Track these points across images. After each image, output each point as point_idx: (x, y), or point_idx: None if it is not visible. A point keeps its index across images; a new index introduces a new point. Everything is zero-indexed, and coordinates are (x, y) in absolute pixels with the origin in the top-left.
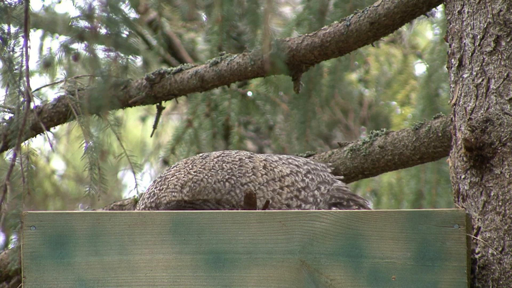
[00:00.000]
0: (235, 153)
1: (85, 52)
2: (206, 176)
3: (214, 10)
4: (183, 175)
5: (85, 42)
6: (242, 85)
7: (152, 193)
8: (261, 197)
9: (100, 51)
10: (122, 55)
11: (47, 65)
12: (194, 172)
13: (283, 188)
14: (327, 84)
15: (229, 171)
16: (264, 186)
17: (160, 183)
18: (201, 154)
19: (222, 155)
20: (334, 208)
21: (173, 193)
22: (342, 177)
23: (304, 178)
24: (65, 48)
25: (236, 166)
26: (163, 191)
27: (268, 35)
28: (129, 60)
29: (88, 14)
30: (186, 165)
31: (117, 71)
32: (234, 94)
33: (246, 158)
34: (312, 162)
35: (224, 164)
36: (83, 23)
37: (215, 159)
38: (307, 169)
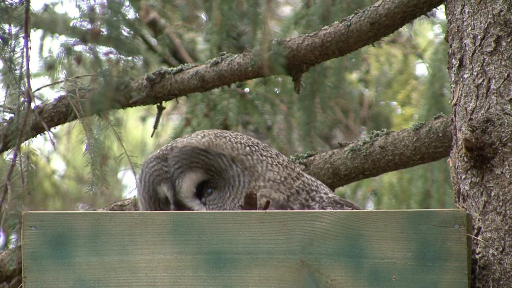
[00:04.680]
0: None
1: (88, 54)
2: (229, 136)
3: (213, 10)
4: (209, 131)
5: (88, 44)
6: (241, 85)
7: (172, 141)
8: (276, 171)
9: (102, 53)
10: (125, 57)
11: (50, 67)
12: (220, 132)
13: (299, 178)
14: (332, 85)
15: (254, 142)
16: (281, 165)
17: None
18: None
19: (254, 138)
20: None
21: (192, 140)
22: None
23: (318, 186)
24: (68, 50)
25: (262, 144)
26: (186, 137)
27: (267, 37)
28: (134, 61)
29: (89, 16)
30: (218, 130)
31: (120, 73)
32: (233, 94)
33: (275, 150)
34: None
35: (252, 139)
36: (85, 25)
37: (246, 134)
38: (320, 183)
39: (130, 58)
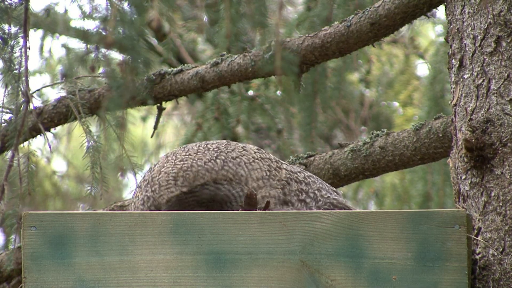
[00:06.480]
0: (221, 139)
1: (101, 62)
2: (194, 161)
3: (221, 13)
4: (170, 169)
5: (101, 52)
6: (247, 88)
7: (146, 198)
8: (258, 168)
9: (116, 62)
10: (139, 66)
11: (64, 76)
12: (180, 161)
13: (280, 168)
14: (332, 86)
15: (216, 149)
16: (259, 160)
17: (149, 185)
18: (179, 147)
19: (205, 142)
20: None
21: (169, 189)
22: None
23: (306, 177)
24: (81, 58)
25: (222, 145)
26: (157, 191)
27: (279, 43)
28: (148, 71)
29: (103, 25)
30: (168, 159)
31: (133, 81)
32: (244, 97)
33: (234, 142)
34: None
35: (208, 146)
36: (99, 31)
37: (197, 145)
38: (308, 174)
39: (143, 67)
